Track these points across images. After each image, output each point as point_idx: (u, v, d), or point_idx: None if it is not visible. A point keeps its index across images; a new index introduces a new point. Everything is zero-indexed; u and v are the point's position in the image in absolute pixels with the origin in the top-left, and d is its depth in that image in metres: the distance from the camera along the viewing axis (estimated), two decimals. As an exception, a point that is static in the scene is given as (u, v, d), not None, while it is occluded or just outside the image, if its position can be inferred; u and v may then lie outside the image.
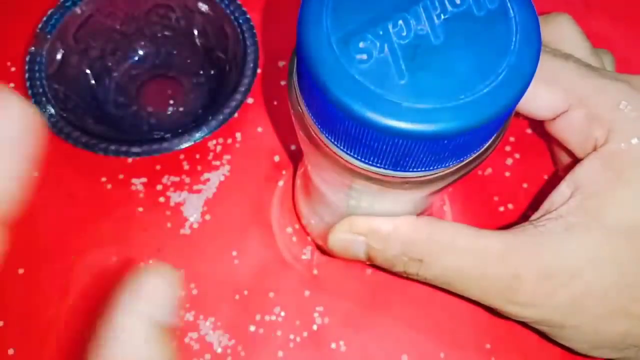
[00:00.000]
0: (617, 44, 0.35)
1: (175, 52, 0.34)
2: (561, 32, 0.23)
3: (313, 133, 0.16)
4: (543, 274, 0.20)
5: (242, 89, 0.29)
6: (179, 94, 0.33)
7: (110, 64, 0.33)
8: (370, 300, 0.29)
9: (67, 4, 0.31)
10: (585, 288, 0.20)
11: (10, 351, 0.28)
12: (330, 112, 0.14)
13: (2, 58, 0.34)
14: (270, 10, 0.36)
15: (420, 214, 0.24)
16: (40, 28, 0.30)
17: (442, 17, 0.14)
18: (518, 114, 0.22)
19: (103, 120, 0.31)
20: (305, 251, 0.30)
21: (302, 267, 0.30)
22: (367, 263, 0.22)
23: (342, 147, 0.15)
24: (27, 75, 0.29)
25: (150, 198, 0.31)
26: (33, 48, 0.30)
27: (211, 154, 0.32)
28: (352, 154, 0.15)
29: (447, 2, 0.14)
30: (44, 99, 0.29)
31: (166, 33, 0.33)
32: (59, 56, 0.30)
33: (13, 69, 0.34)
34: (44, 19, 0.30)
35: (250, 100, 0.33)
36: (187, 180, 0.31)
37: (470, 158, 0.16)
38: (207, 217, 0.30)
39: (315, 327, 0.28)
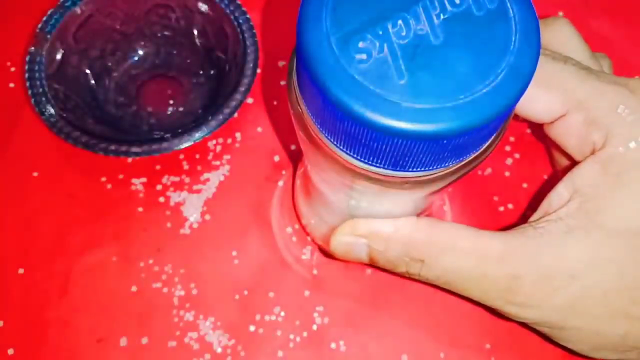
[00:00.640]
0: (617, 44, 0.35)
1: (175, 52, 0.34)
2: (559, 36, 0.23)
3: (313, 133, 0.16)
4: (542, 275, 0.20)
5: (242, 88, 0.29)
6: (178, 94, 0.33)
7: (110, 64, 0.33)
8: (370, 300, 0.29)
9: (67, 4, 0.31)
10: (584, 289, 0.20)
11: (10, 351, 0.28)
12: (329, 112, 0.14)
13: (2, 58, 0.34)
14: (270, 10, 0.36)
15: (420, 213, 0.24)
16: (40, 28, 0.30)
17: (442, 17, 0.14)
18: (517, 117, 0.22)
19: (103, 120, 0.31)
20: (305, 251, 0.30)
21: (302, 267, 0.30)
22: (369, 265, 0.23)
23: (341, 147, 0.15)
24: (27, 75, 0.29)
25: (150, 198, 0.31)
26: (33, 48, 0.30)
27: (211, 154, 0.32)
28: (351, 153, 0.15)
29: (446, 2, 0.14)
30: (43, 99, 0.29)
31: (166, 33, 0.33)
32: (58, 56, 0.30)
33: (13, 69, 0.34)
34: (44, 19, 0.30)
35: (250, 100, 0.33)
36: (187, 180, 0.31)
37: (470, 158, 0.16)
38: (207, 217, 0.30)
39: (315, 327, 0.28)
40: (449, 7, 0.14)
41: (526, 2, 0.14)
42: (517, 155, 0.32)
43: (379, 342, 0.28)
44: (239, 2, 0.31)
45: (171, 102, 0.33)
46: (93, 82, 0.32)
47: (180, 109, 0.33)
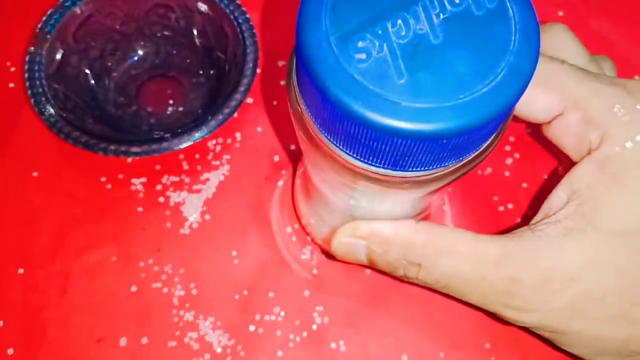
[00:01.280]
0: (617, 44, 0.35)
1: (174, 52, 0.34)
2: (557, 41, 0.23)
3: (312, 133, 0.16)
4: (541, 278, 0.20)
5: (241, 88, 0.29)
6: (178, 94, 0.33)
7: (110, 63, 0.33)
8: (370, 300, 0.29)
9: (67, 4, 0.31)
10: (583, 293, 0.20)
11: (10, 351, 0.28)
12: (329, 112, 0.14)
13: (2, 58, 0.34)
14: (270, 10, 0.36)
15: (420, 213, 0.24)
16: (39, 28, 0.30)
17: (441, 16, 0.14)
18: (514, 117, 0.22)
19: (103, 120, 0.31)
20: (305, 251, 0.30)
21: (301, 267, 0.30)
22: (369, 267, 0.23)
23: (341, 147, 0.15)
24: (26, 75, 0.29)
25: (149, 198, 0.31)
26: (33, 48, 0.30)
27: (211, 153, 0.32)
28: (351, 153, 0.15)
29: (446, 2, 0.14)
30: (43, 98, 0.29)
31: (166, 33, 0.33)
32: (58, 56, 0.30)
33: (13, 69, 0.34)
34: (44, 18, 0.30)
35: (249, 100, 0.33)
36: (187, 180, 0.31)
37: (470, 157, 0.16)
38: (207, 217, 0.30)
39: (314, 327, 0.28)
40: (448, 7, 0.14)
41: (526, 1, 0.14)
42: (517, 155, 0.32)
43: (379, 342, 0.28)
44: (238, 2, 0.31)
45: (171, 102, 0.33)
46: (93, 82, 0.32)
47: (180, 109, 0.33)
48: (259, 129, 0.32)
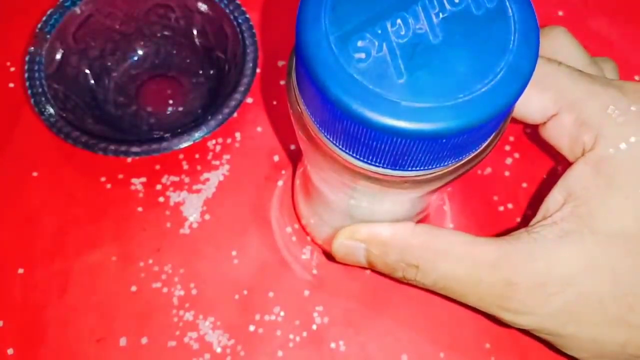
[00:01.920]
0: (616, 44, 0.35)
1: (174, 52, 0.34)
2: (557, 44, 0.23)
3: (312, 132, 0.16)
4: (537, 281, 0.20)
5: (241, 88, 0.29)
6: (178, 94, 0.33)
7: (109, 63, 0.33)
8: (370, 300, 0.29)
9: (67, 3, 0.31)
10: (579, 295, 0.20)
11: (10, 351, 0.28)
12: (328, 111, 0.14)
13: (2, 58, 0.34)
14: (270, 10, 0.36)
15: (419, 213, 0.24)
16: (39, 28, 0.30)
17: (441, 16, 0.14)
18: (511, 118, 0.22)
19: (102, 120, 0.31)
20: (305, 251, 0.30)
21: (301, 267, 0.30)
22: (369, 269, 0.23)
23: (340, 147, 0.15)
24: (26, 75, 0.29)
25: (149, 198, 0.31)
26: (32, 48, 0.30)
27: (211, 153, 0.32)
28: (350, 153, 0.15)
29: (445, 1, 0.14)
30: (43, 98, 0.29)
31: (165, 33, 0.33)
32: (58, 56, 0.30)
33: (13, 68, 0.34)
34: (44, 18, 0.30)
35: (249, 100, 0.33)
36: (187, 180, 0.31)
37: (469, 157, 0.16)
38: (207, 216, 0.30)
39: (314, 327, 0.28)
40: (448, 7, 0.14)
41: (525, 1, 0.14)
42: (516, 155, 0.32)
43: (378, 342, 0.28)
44: (238, 2, 0.31)
45: (171, 102, 0.33)
46: (93, 82, 0.32)
47: (180, 108, 0.33)
48: (259, 129, 0.32)
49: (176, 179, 0.31)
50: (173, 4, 0.32)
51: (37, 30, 0.30)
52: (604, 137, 0.20)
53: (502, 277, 0.20)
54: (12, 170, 0.31)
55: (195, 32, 0.33)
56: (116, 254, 0.30)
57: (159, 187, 0.31)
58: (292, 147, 0.32)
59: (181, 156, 0.32)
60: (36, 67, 0.29)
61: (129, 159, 0.31)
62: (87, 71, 0.32)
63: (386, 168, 0.15)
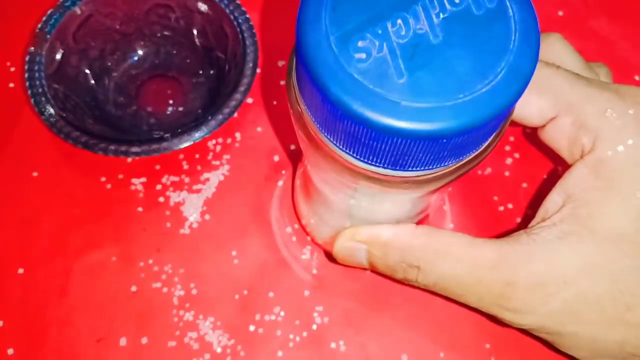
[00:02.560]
0: (616, 44, 0.35)
1: (174, 52, 0.34)
2: (554, 50, 0.24)
3: (312, 132, 0.16)
4: (536, 281, 0.20)
5: (241, 88, 0.29)
6: (178, 94, 0.33)
7: (109, 63, 0.33)
8: (370, 300, 0.29)
9: (67, 3, 0.31)
10: (578, 295, 0.20)
11: (10, 351, 0.28)
12: (329, 111, 0.14)
13: (2, 58, 0.34)
14: (270, 10, 0.36)
15: (419, 213, 0.24)
16: (39, 28, 0.30)
17: (441, 16, 0.14)
18: (510, 121, 0.22)
19: (102, 120, 0.31)
20: (305, 251, 0.30)
21: (301, 267, 0.30)
22: (370, 270, 0.23)
23: (341, 147, 0.15)
24: (26, 75, 0.29)
25: (149, 198, 0.31)
26: (32, 48, 0.30)
27: (211, 153, 0.32)
28: (350, 153, 0.15)
29: (446, 2, 0.14)
30: (43, 98, 0.29)
31: (166, 33, 0.33)
32: (58, 56, 0.30)
33: (13, 69, 0.34)
34: (44, 18, 0.30)
35: (249, 100, 0.33)
36: (187, 180, 0.31)
37: (470, 157, 0.16)
38: (207, 216, 0.30)
39: (314, 327, 0.28)
40: (448, 7, 0.14)
41: (526, 1, 0.14)
42: (516, 155, 0.32)
43: (378, 342, 0.28)
44: (238, 2, 0.31)
45: (171, 102, 0.33)
46: (93, 82, 0.32)
47: (180, 108, 0.33)
48: (259, 129, 0.32)
49: (176, 179, 0.31)
50: (173, 4, 0.32)
51: (37, 30, 0.30)
52: (602, 140, 0.20)
53: (501, 278, 0.20)
54: (12, 170, 0.31)
55: (195, 32, 0.33)
56: (116, 254, 0.30)
57: (159, 187, 0.31)
58: (292, 147, 0.32)
59: (181, 156, 0.32)
60: (36, 67, 0.29)
61: (129, 159, 0.31)
62: (87, 71, 0.32)
63: (386, 168, 0.15)
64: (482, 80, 0.13)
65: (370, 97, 0.13)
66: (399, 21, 0.14)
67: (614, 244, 0.20)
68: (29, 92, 0.29)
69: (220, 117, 0.29)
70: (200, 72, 0.33)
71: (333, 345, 0.28)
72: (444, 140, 0.14)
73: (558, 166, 0.32)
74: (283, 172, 0.32)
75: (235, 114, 0.29)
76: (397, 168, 0.15)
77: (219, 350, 0.28)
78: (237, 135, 0.32)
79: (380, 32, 0.14)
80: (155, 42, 0.34)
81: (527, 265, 0.20)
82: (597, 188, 0.20)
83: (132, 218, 0.30)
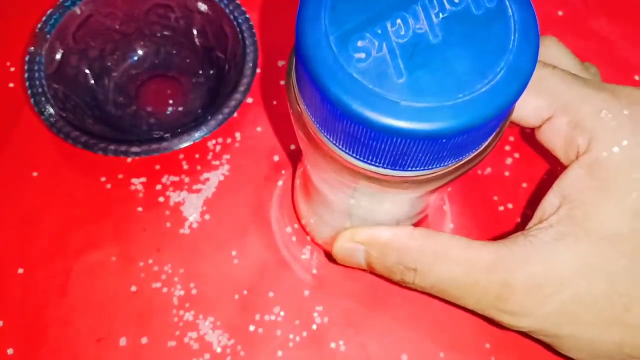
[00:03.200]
0: (616, 44, 0.35)
1: (174, 51, 0.34)
2: (548, 52, 0.24)
3: (312, 132, 0.16)
4: (532, 283, 0.20)
5: (241, 88, 0.29)
6: (178, 94, 0.33)
7: (109, 63, 0.33)
8: (370, 300, 0.29)
9: (67, 3, 0.31)
10: (575, 297, 0.20)
11: (10, 351, 0.28)
12: (328, 111, 0.14)
13: (2, 58, 0.34)
14: (270, 9, 0.36)
15: (419, 213, 0.24)
16: (39, 28, 0.30)
17: (441, 15, 0.14)
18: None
19: (102, 120, 0.31)
20: (305, 251, 0.30)
21: (301, 266, 0.30)
22: (369, 272, 0.23)
23: (340, 146, 0.15)
24: (26, 75, 0.29)
25: (149, 198, 0.31)
26: (32, 48, 0.30)
27: (210, 153, 0.32)
28: (350, 153, 0.15)
29: (445, 1, 0.14)
30: (43, 98, 0.29)
31: (165, 33, 0.33)
32: (58, 56, 0.30)
33: (12, 68, 0.34)
34: (44, 18, 0.30)
35: (249, 100, 0.33)
36: (187, 180, 0.31)
37: (469, 157, 0.16)
38: (207, 216, 0.30)
39: (314, 327, 0.28)
40: (447, 6, 0.14)
41: (525, 1, 0.14)
42: (516, 155, 0.32)
43: (378, 342, 0.28)
44: (238, 2, 0.31)
45: (171, 102, 0.33)
46: (92, 82, 0.32)
47: (180, 108, 0.33)
48: (259, 129, 0.32)
49: (176, 179, 0.31)
50: (173, 4, 0.32)
51: (37, 30, 0.30)
52: (597, 141, 0.20)
53: (498, 280, 0.20)
54: (12, 170, 0.31)
55: (195, 32, 0.33)
56: (116, 254, 0.30)
57: (159, 187, 0.31)
58: (292, 147, 0.32)
59: (181, 156, 0.32)
60: (36, 67, 0.29)
61: (129, 159, 0.31)
62: (87, 71, 0.32)
63: (386, 168, 0.15)
64: (481, 80, 0.13)
65: (369, 96, 0.13)
66: (399, 21, 0.14)
67: (610, 244, 0.20)
68: (29, 92, 0.29)
69: (220, 117, 0.29)
70: (200, 72, 0.34)
71: (333, 345, 0.28)
72: (444, 140, 0.14)
73: (558, 167, 0.32)
74: (283, 172, 0.32)
75: (235, 114, 0.29)
76: (397, 168, 0.15)
77: (218, 350, 0.28)
78: (237, 135, 0.32)
79: (379, 31, 0.14)
80: (155, 42, 0.34)
81: (524, 267, 0.20)
82: (592, 189, 0.20)
83: (132, 218, 0.30)
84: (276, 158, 0.32)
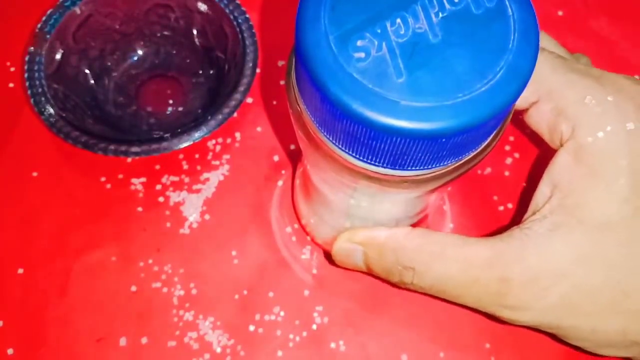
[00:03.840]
0: (616, 44, 0.35)
1: (174, 52, 0.34)
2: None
3: (312, 132, 0.16)
4: (530, 276, 0.20)
5: (241, 88, 0.29)
6: (178, 94, 0.33)
7: (109, 63, 0.33)
8: (370, 300, 0.29)
9: (67, 3, 0.31)
10: (573, 288, 0.20)
11: (10, 351, 0.28)
12: (328, 111, 0.14)
13: (2, 58, 0.34)
14: (269, 9, 0.36)
15: (419, 213, 0.24)
16: (39, 28, 0.30)
17: (440, 15, 0.14)
18: None
19: (102, 120, 0.31)
20: (305, 251, 0.30)
21: (301, 266, 0.30)
22: (368, 274, 0.23)
23: (340, 146, 0.15)
24: (26, 75, 0.29)
25: (149, 198, 0.31)
26: (32, 48, 0.30)
27: (210, 153, 0.32)
28: (350, 152, 0.15)
29: (445, 1, 0.14)
30: (43, 98, 0.29)
31: (165, 33, 0.33)
32: (58, 56, 0.30)
33: (12, 68, 0.34)
34: (44, 18, 0.30)
35: (249, 100, 0.33)
36: (187, 180, 0.31)
37: (469, 156, 0.16)
38: (207, 216, 0.30)
39: (314, 327, 0.28)
40: (447, 6, 0.14)
41: (525, 1, 0.14)
42: (516, 155, 0.32)
43: (378, 342, 0.28)
44: (238, 2, 0.31)
45: (171, 102, 0.33)
46: (92, 82, 0.32)
47: (180, 108, 0.33)
48: (259, 129, 0.32)
49: (176, 179, 0.31)
50: (173, 4, 0.32)
51: (37, 30, 0.30)
52: (581, 127, 0.20)
53: (496, 275, 0.20)
54: (12, 170, 0.31)
55: (195, 32, 0.33)
56: (116, 254, 0.30)
57: (158, 187, 0.31)
58: (292, 147, 0.32)
59: (181, 156, 0.32)
60: (36, 67, 0.29)
61: (129, 159, 0.31)
62: (87, 71, 0.32)
63: (386, 168, 0.15)
64: (481, 79, 0.13)
65: (369, 96, 0.13)
66: (398, 20, 0.14)
67: (603, 232, 0.19)
68: (29, 92, 0.29)
69: (220, 117, 0.29)
70: (200, 72, 0.34)
71: (333, 345, 0.28)
72: (443, 140, 0.14)
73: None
74: (283, 172, 0.32)
75: (235, 114, 0.29)
76: (397, 167, 0.15)
77: (218, 350, 0.28)
78: (237, 135, 0.32)
79: (379, 31, 0.14)
80: (155, 42, 0.34)
81: (521, 261, 0.20)
82: (580, 176, 0.20)
83: (132, 218, 0.30)
84: (276, 158, 0.32)
